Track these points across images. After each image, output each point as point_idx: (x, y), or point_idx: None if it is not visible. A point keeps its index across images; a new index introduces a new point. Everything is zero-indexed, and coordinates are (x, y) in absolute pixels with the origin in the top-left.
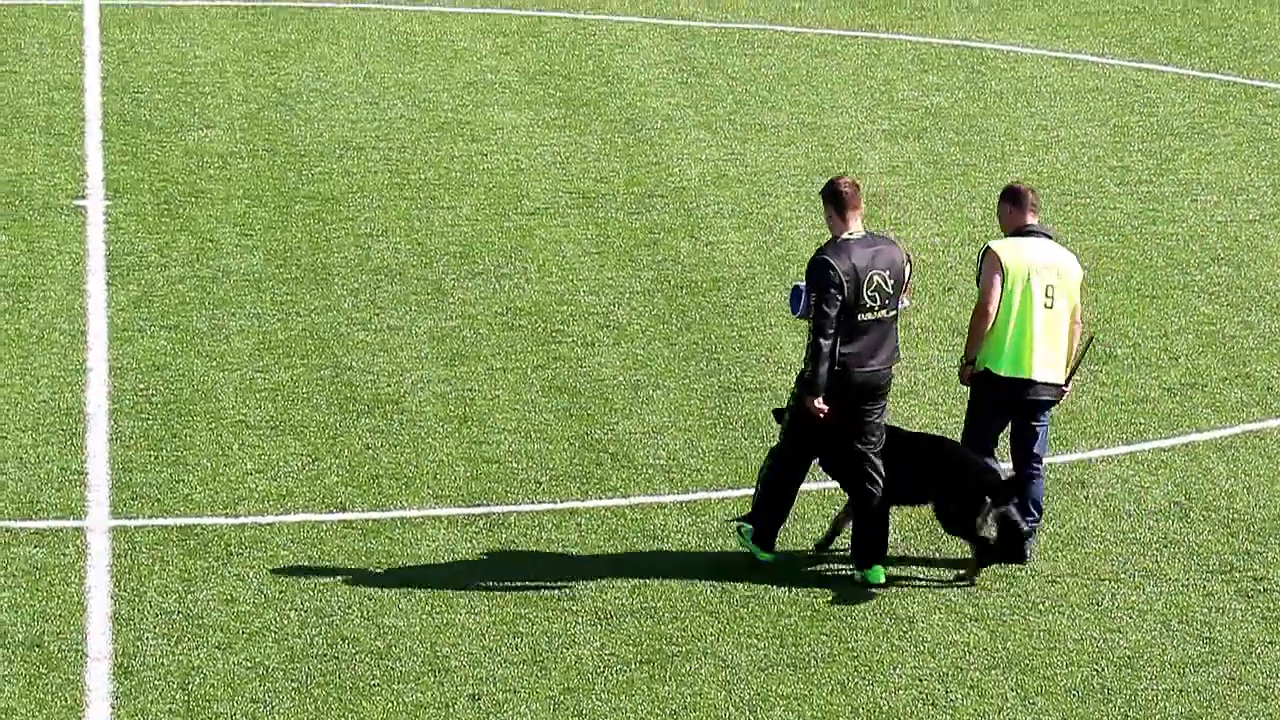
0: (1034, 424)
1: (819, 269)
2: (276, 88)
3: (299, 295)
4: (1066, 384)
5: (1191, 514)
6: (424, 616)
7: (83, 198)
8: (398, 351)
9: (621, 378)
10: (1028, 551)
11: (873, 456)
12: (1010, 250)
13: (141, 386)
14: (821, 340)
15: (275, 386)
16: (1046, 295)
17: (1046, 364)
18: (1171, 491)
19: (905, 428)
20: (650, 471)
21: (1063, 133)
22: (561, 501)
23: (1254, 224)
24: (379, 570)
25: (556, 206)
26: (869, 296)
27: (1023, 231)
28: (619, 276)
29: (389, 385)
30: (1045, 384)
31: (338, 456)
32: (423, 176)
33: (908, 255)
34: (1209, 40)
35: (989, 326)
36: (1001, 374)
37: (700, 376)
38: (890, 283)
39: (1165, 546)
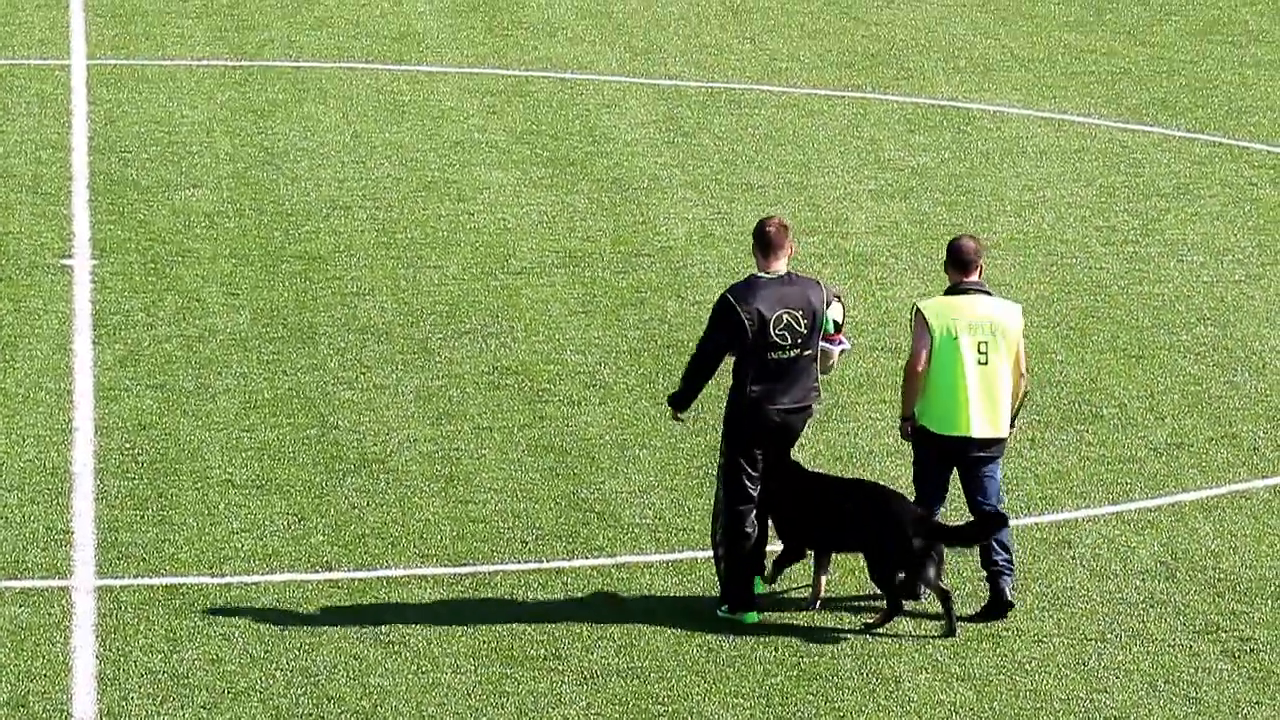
0: (981, 477)
1: (718, 306)
2: (263, 147)
3: (285, 354)
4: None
5: (1178, 574)
6: (410, 676)
7: (69, 257)
8: (384, 411)
9: (608, 437)
10: (1005, 590)
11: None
12: (937, 309)
13: (127, 446)
14: (695, 367)
15: (261, 445)
16: (979, 351)
17: (984, 420)
18: (1158, 552)
19: (835, 474)
20: (637, 531)
21: (1049, 193)
22: (548, 561)
23: (1240, 284)
24: (365, 630)
25: (543, 266)
26: (778, 335)
27: (957, 289)
28: (605, 336)
29: (375, 444)
30: (983, 440)
31: (324, 516)
32: (409, 236)
33: (837, 295)
34: (1195, 101)
35: (919, 384)
36: (935, 431)
37: (687, 435)
38: (804, 322)
39: (1152, 607)
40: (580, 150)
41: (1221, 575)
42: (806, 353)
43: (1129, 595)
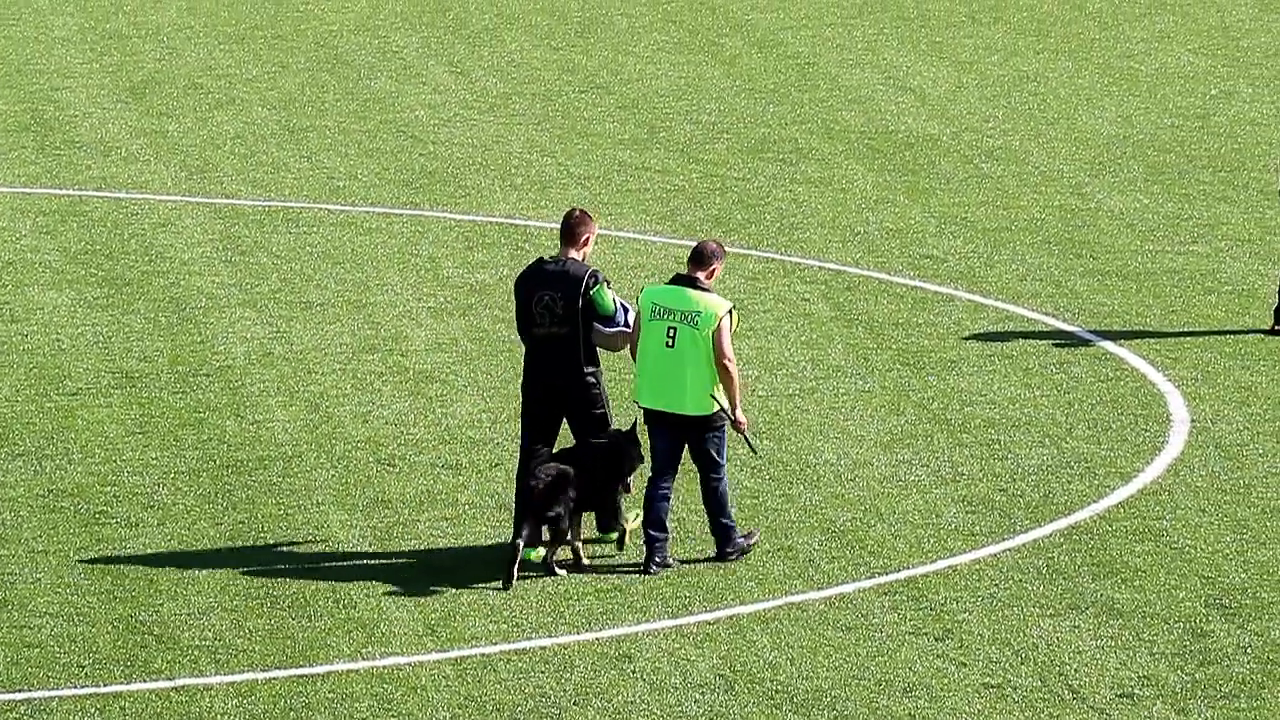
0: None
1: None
2: None
3: None
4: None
5: (736, 686)
6: None
7: None
8: None
9: (167, 558)
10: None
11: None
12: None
13: None
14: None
15: None
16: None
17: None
18: (717, 664)
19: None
20: (196, 653)
21: None
22: (105, 685)
23: (794, 398)
24: None
25: (99, 386)
26: (537, 313)
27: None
28: (163, 456)
29: None
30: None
31: None
32: None
33: (594, 275)
34: (747, 218)
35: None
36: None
37: (247, 556)
38: (561, 303)
39: None
40: (137, 270)
41: (779, 687)
42: (565, 329)
43: (689, 709)
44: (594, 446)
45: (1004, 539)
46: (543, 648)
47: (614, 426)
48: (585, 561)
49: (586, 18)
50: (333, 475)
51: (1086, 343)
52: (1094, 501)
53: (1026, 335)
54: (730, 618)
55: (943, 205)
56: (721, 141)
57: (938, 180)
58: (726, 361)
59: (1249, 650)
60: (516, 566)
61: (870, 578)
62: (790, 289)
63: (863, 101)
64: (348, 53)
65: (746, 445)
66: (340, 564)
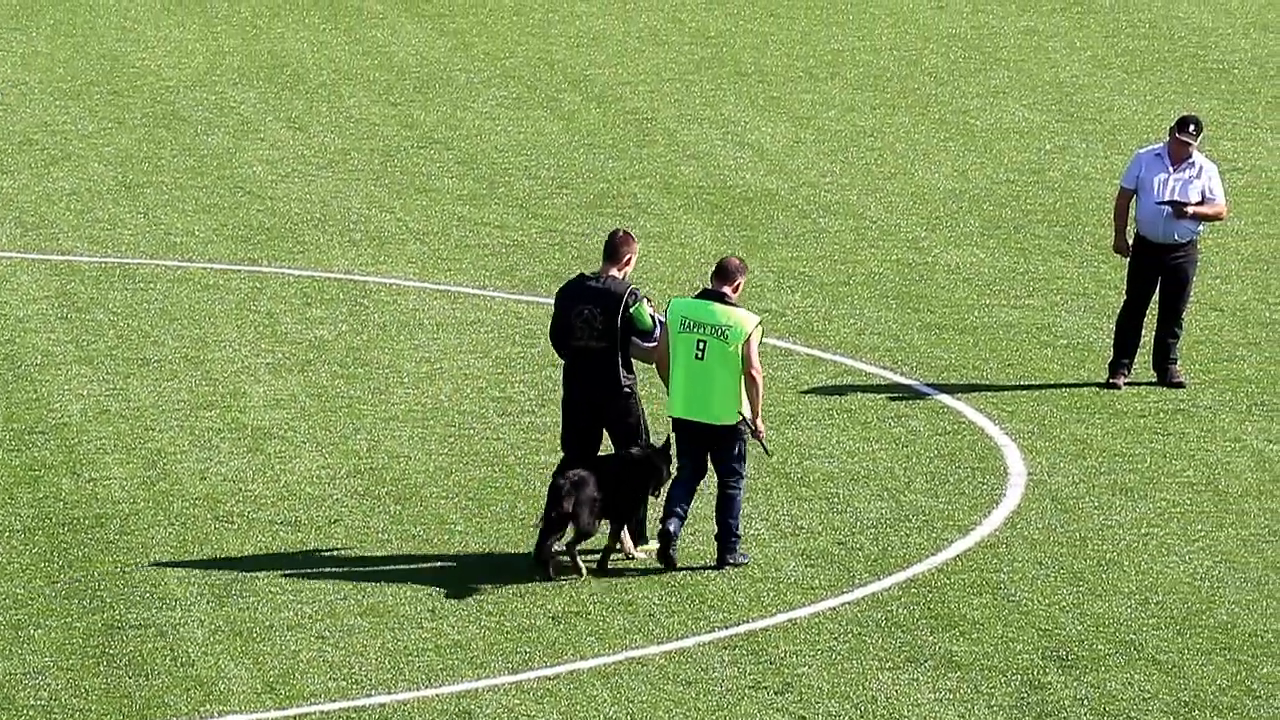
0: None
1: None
2: None
3: None
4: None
5: None
6: None
7: None
8: None
9: (2, 618)
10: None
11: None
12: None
13: None
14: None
15: None
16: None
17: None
18: None
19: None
20: (32, 713)
21: (446, 364)
22: None
23: None
24: None
25: None
26: (578, 326)
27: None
28: None
29: None
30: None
31: None
32: None
33: (634, 292)
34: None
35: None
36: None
37: (83, 614)
38: (601, 318)
39: None
40: None
41: None
42: (602, 344)
43: None
44: (625, 457)
45: (843, 592)
46: (382, 705)
47: (651, 440)
48: (638, 553)
49: (425, 74)
50: (170, 532)
51: (924, 396)
52: (932, 554)
53: (865, 389)
54: (570, 673)
55: (781, 260)
56: (560, 196)
57: (776, 235)
58: (755, 373)
59: (1085, 702)
60: (551, 565)
61: (710, 631)
62: None
63: (701, 157)
64: (185, 108)
65: (761, 448)
66: (178, 622)
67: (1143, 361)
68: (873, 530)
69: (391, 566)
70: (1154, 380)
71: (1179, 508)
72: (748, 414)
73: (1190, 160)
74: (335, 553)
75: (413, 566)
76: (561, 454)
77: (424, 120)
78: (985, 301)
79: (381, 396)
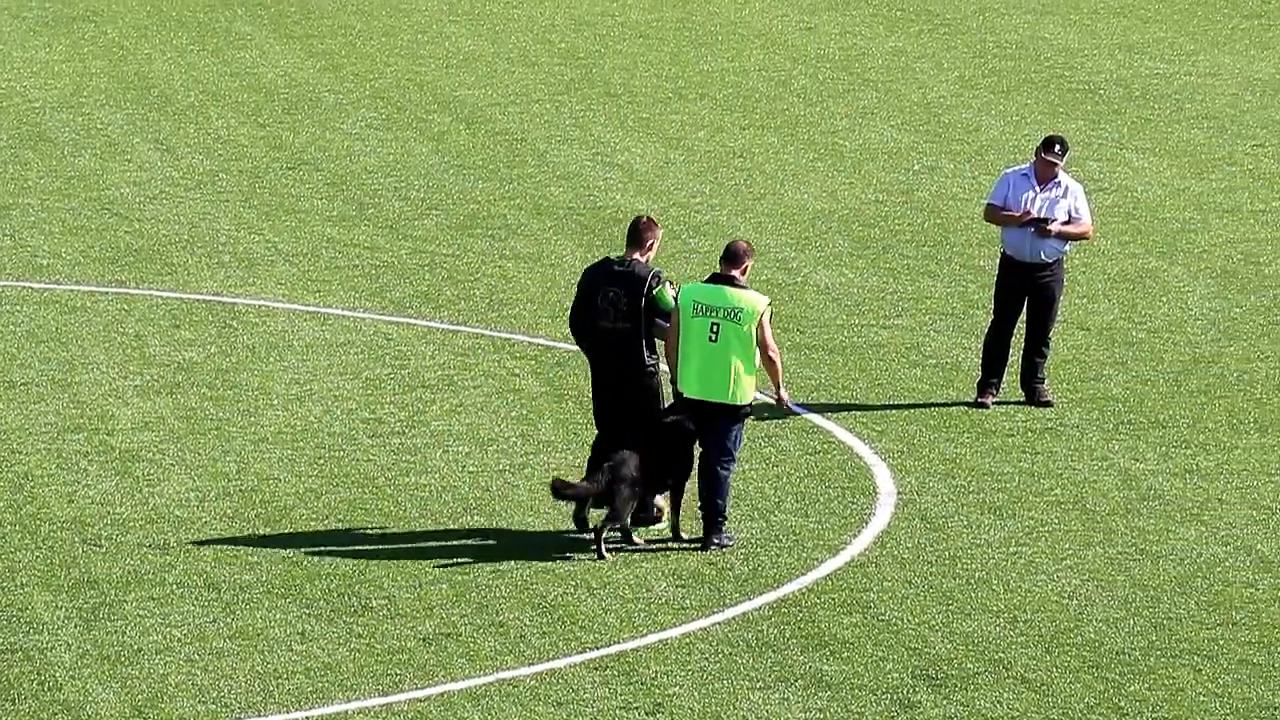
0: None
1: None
2: None
3: None
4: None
5: None
6: None
7: None
8: None
9: None
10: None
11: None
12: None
13: None
14: (570, 328)
15: None
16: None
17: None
18: None
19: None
20: None
21: (315, 386)
22: None
23: (504, 474)
24: None
25: None
26: (602, 308)
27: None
28: None
29: None
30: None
31: None
32: None
33: (656, 275)
34: (457, 294)
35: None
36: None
37: None
38: (625, 300)
39: None
40: None
41: None
42: (627, 324)
43: None
44: (662, 426)
45: (714, 612)
46: None
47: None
48: (684, 537)
49: (293, 95)
50: (37, 556)
51: (793, 416)
52: (802, 574)
53: None
54: (442, 695)
55: None
56: (430, 218)
57: None
58: (771, 352)
59: None
60: (602, 543)
61: (581, 652)
62: (500, 365)
63: (571, 177)
64: (51, 129)
65: (788, 409)
66: (45, 645)
67: (1011, 380)
68: (743, 550)
69: (261, 589)
70: (1022, 399)
71: (1047, 526)
72: (783, 394)
73: (1056, 180)
74: (204, 575)
75: (282, 589)
76: (594, 435)
77: (293, 141)
78: (854, 321)
79: (250, 418)
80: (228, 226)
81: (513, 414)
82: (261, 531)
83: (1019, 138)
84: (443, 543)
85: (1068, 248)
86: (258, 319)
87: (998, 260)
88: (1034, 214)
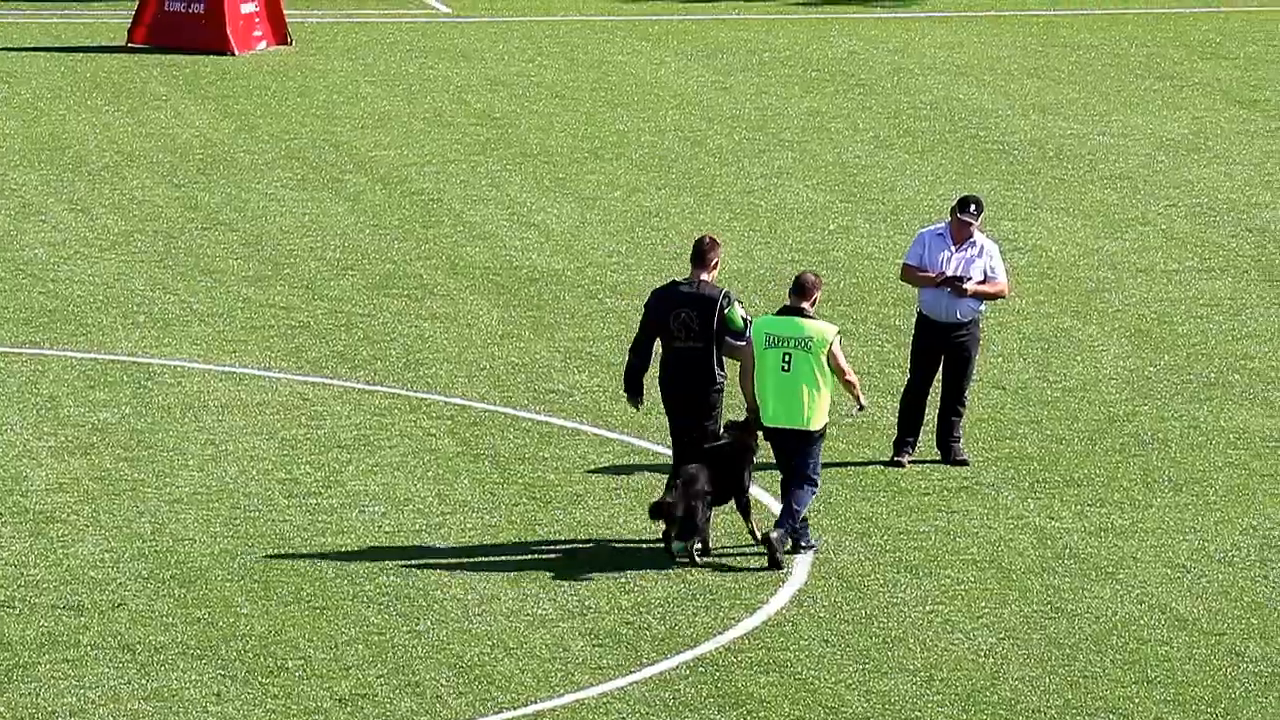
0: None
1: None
2: None
3: None
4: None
5: None
6: None
7: None
8: None
9: None
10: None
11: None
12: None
13: None
14: (630, 354)
15: None
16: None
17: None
18: None
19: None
20: None
21: (231, 446)
22: None
23: (420, 534)
24: None
25: None
26: (675, 329)
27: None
28: None
29: None
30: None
31: None
32: None
33: (727, 295)
34: (373, 354)
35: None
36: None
37: None
38: (698, 320)
39: None
40: None
41: None
42: (699, 344)
43: None
44: (722, 445)
45: (631, 672)
46: None
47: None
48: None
49: (208, 155)
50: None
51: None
52: (719, 633)
53: (651, 468)
54: None
55: (568, 340)
56: (346, 278)
57: (562, 315)
58: (848, 376)
59: None
60: (683, 557)
61: (498, 712)
62: (416, 424)
63: (487, 237)
64: None
65: (860, 408)
66: None
67: (927, 439)
68: (660, 609)
69: (176, 650)
70: (938, 458)
71: (963, 585)
72: (860, 402)
73: (972, 240)
74: (119, 637)
75: (198, 650)
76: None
77: (208, 202)
78: None
79: (166, 479)
80: (143, 287)
81: (429, 474)
82: (177, 592)
83: (934, 197)
84: (359, 603)
85: (983, 307)
86: (173, 379)
87: (914, 320)
88: (949, 274)
